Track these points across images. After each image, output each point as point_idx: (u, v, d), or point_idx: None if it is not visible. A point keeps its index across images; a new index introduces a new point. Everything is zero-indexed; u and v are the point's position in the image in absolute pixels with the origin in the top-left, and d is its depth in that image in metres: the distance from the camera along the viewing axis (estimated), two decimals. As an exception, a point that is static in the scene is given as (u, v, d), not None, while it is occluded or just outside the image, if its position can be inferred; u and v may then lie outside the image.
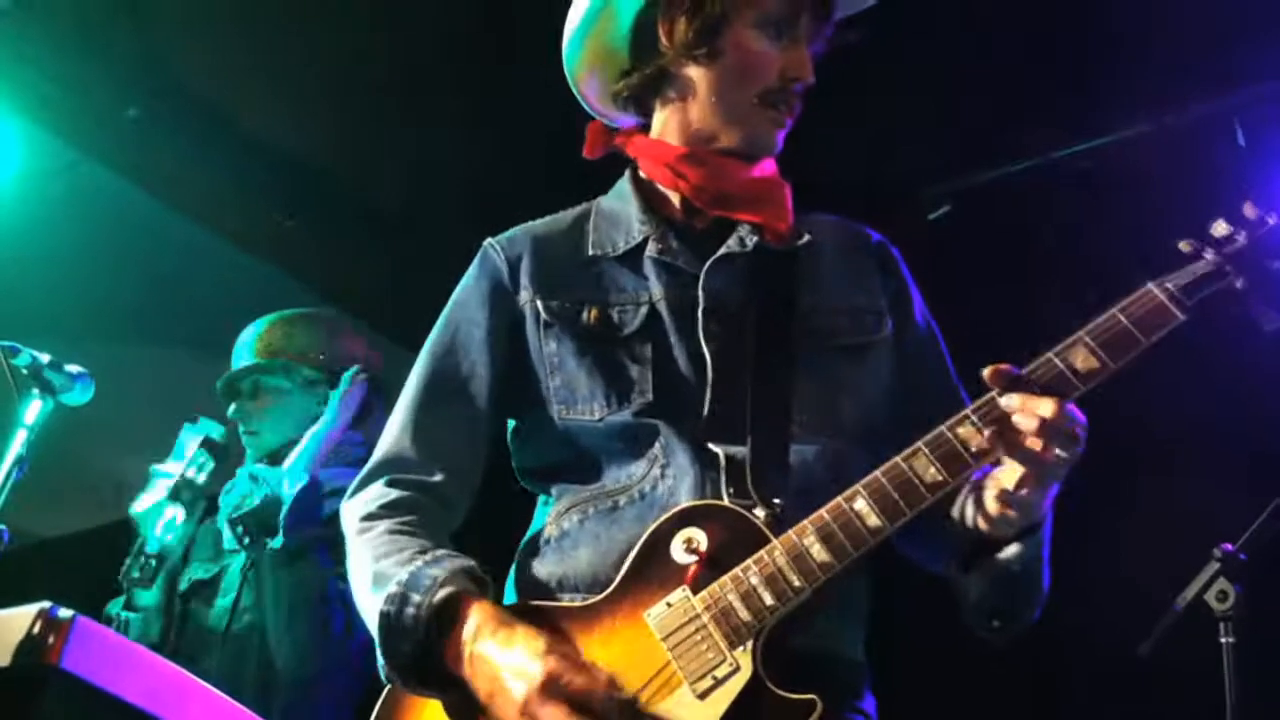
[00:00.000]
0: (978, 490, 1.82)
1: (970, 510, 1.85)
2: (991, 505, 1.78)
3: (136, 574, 3.44)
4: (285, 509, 3.50)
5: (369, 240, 5.16)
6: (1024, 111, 4.29)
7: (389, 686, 1.88)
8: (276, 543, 3.51)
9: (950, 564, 1.92)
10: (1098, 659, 4.16)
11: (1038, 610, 1.91)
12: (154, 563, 3.45)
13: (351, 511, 1.98)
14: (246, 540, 3.57)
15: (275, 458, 3.76)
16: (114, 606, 3.60)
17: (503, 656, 1.72)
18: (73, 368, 2.97)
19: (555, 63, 2.18)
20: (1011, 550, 1.83)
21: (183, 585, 3.67)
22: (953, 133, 4.39)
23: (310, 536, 3.53)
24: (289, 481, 3.55)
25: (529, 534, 2.06)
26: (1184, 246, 1.81)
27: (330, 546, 3.48)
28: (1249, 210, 1.81)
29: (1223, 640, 2.64)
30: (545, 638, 1.74)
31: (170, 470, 3.54)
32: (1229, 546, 2.69)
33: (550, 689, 1.67)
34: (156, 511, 3.48)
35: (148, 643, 3.46)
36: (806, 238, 2.10)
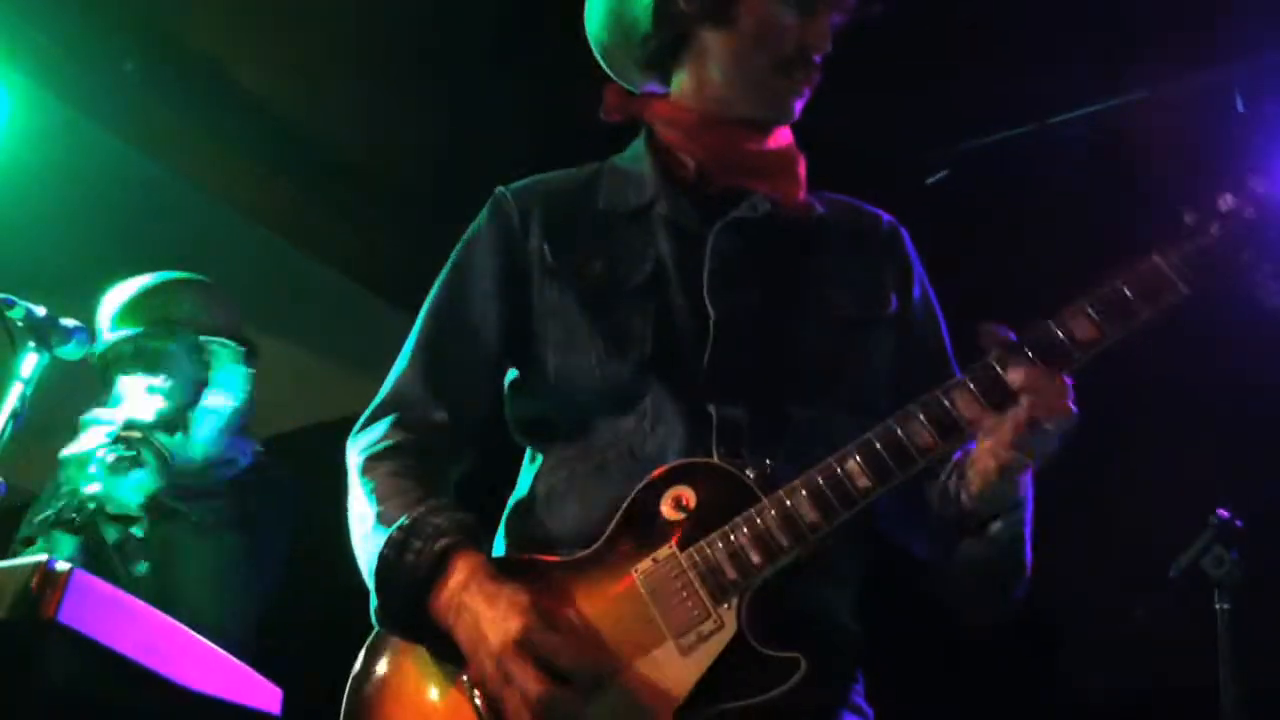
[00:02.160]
0: (964, 465, 1.82)
1: (955, 486, 1.84)
2: (977, 480, 1.78)
3: (52, 516, 3.38)
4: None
5: (368, 205, 5.14)
6: (1025, 76, 4.27)
7: (375, 630, 1.89)
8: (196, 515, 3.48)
9: (934, 545, 1.93)
10: (1094, 623, 4.18)
11: (1020, 590, 1.91)
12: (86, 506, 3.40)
13: (356, 448, 2.00)
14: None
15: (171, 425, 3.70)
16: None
17: (486, 610, 1.74)
18: (69, 322, 2.95)
19: (571, 26, 2.18)
20: (995, 528, 1.83)
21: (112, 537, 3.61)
22: (952, 97, 4.37)
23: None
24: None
25: (516, 492, 2.07)
26: (1189, 218, 1.80)
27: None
28: (1255, 183, 1.80)
29: (1217, 606, 2.66)
30: (529, 594, 1.75)
31: (107, 417, 3.47)
32: (1225, 513, 2.70)
33: (522, 645, 1.69)
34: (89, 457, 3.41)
35: None
36: (819, 210, 2.11)
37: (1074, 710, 4.49)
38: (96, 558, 3.35)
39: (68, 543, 3.35)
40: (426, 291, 2.14)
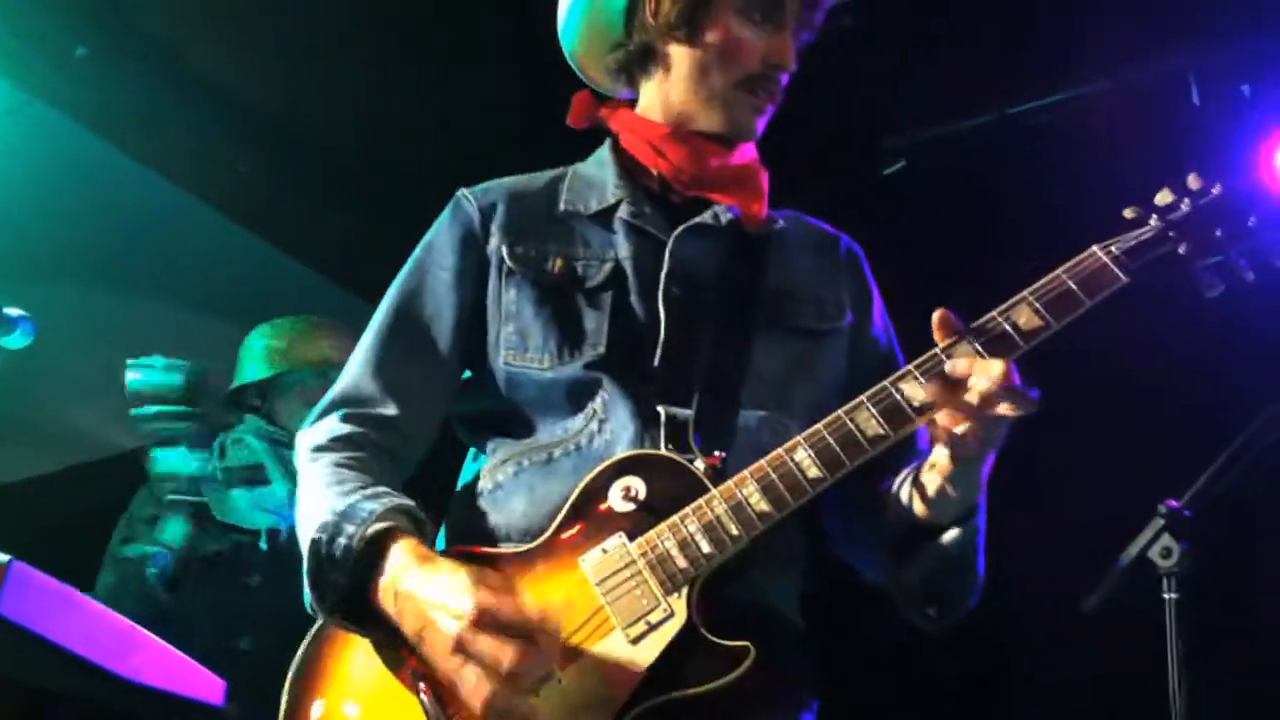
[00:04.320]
0: (915, 472, 1.83)
1: (907, 493, 1.86)
2: (933, 479, 1.79)
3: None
4: None
5: (324, 188, 5.10)
6: (982, 65, 4.28)
7: (316, 625, 1.86)
8: None
9: (886, 556, 1.93)
10: (1043, 616, 4.20)
11: (975, 597, 1.92)
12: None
13: (304, 442, 1.99)
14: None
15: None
16: (131, 548, 3.55)
17: (430, 592, 1.71)
18: (13, 311, 2.91)
19: (524, 11, 2.17)
20: (948, 536, 1.85)
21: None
22: (910, 86, 4.37)
23: None
24: None
25: (460, 487, 2.06)
26: (1128, 213, 1.87)
27: None
28: (1193, 180, 1.87)
29: (1166, 596, 2.66)
30: (470, 571, 1.72)
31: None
32: (1174, 503, 2.70)
33: (483, 621, 1.66)
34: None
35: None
36: (780, 224, 2.14)
37: (1027, 701, 4.54)
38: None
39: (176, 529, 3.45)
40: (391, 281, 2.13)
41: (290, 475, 3.68)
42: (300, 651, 1.87)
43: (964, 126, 4.47)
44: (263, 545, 3.52)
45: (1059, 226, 1.88)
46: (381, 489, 1.86)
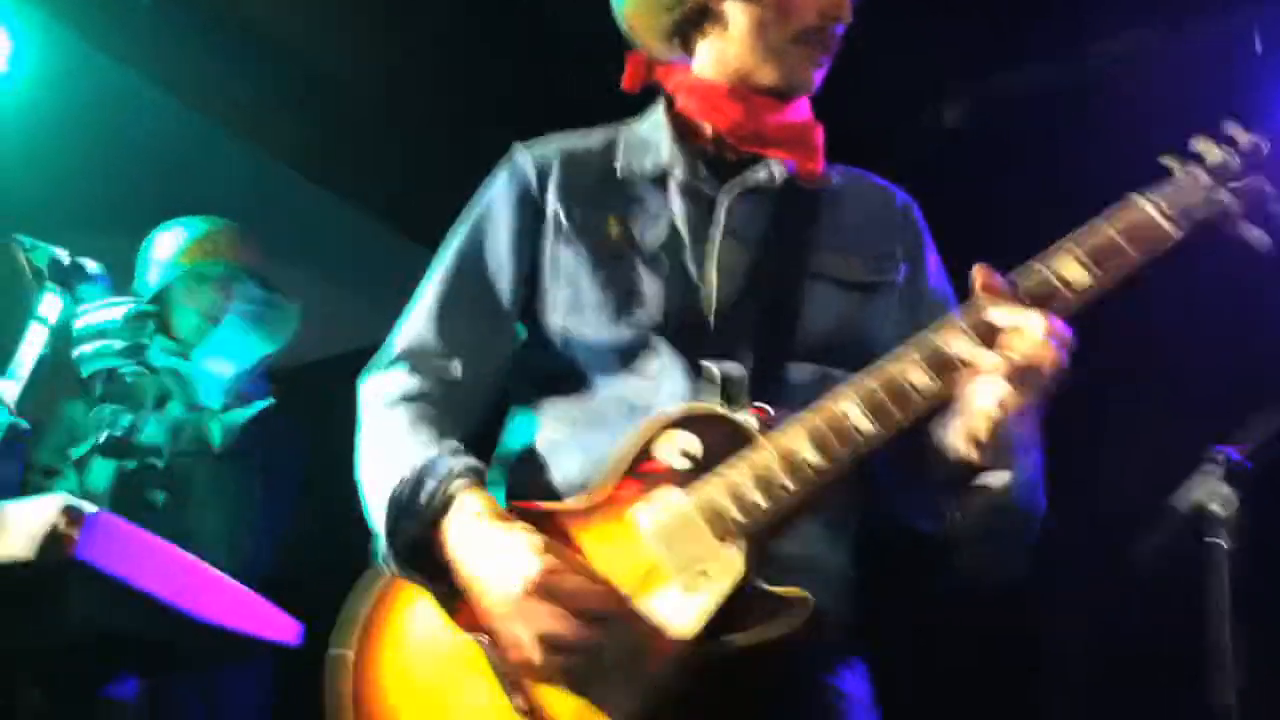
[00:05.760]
0: (965, 418, 1.83)
1: (956, 441, 1.85)
2: (981, 430, 1.80)
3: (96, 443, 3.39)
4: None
5: (379, 136, 5.14)
6: (1042, 14, 4.23)
7: (363, 576, 1.93)
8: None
9: (942, 505, 1.94)
10: (1086, 567, 4.20)
11: (1032, 538, 1.94)
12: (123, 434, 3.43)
13: (373, 391, 2.04)
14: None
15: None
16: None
17: (499, 550, 1.77)
18: (91, 265, 2.97)
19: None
20: (998, 480, 1.86)
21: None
22: (969, 38, 4.32)
23: None
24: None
25: (508, 448, 2.10)
26: (1172, 163, 1.84)
27: None
28: (1239, 133, 1.84)
29: (1223, 545, 2.64)
30: (541, 536, 1.78)
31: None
32: (1233, 453, 2.69)
33: (543, 588, 1.72)
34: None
35: None
36: (835, 179, 2.16)
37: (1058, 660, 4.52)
38: (124, 486, 3.43)
39: (104, 470, 3.44)
40: (435, 222, 2.17)
41: (186, 398, 3.65)
42: (352, 605, 1.92)
43: (1021, 80, 4.41)
44: (158, 464, 3.50)
45: (1124, 181, 1.84)
46: (458, 445, 1.92)
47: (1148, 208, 1.81)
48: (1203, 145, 1.86)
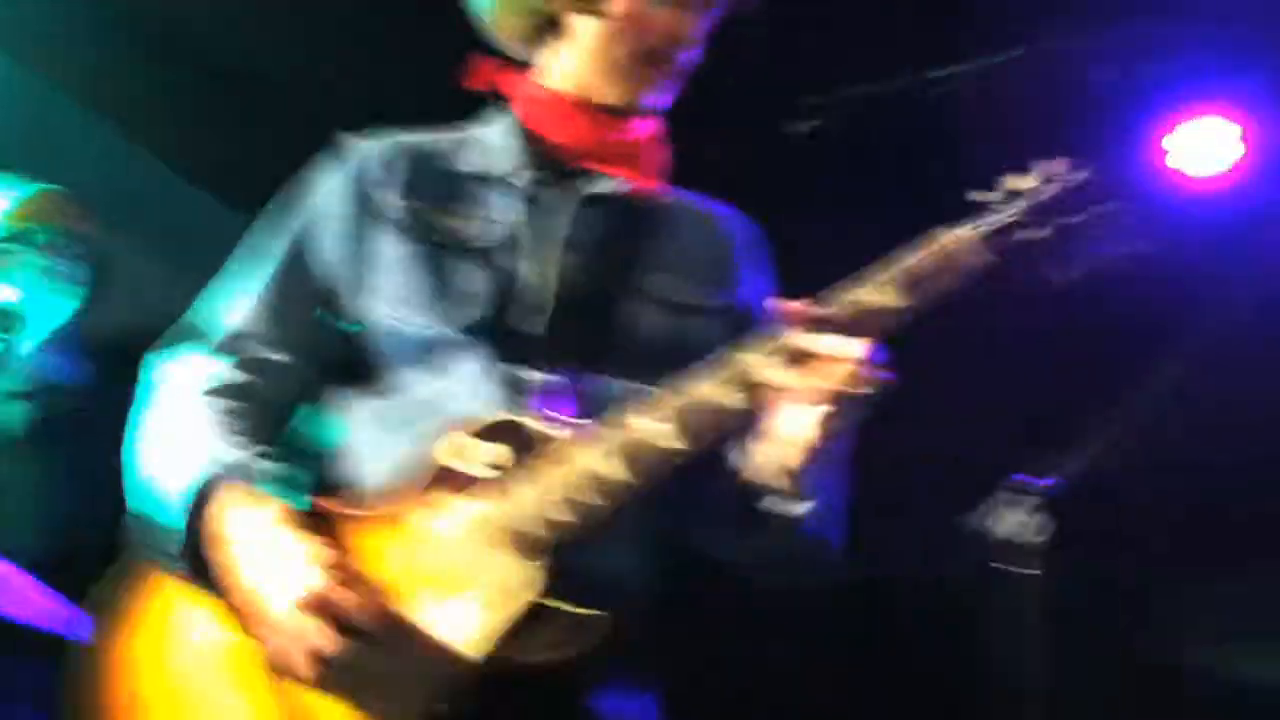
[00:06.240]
0: (775, 445, 1.83)
1: (764, 467, 1.86)
2: (792, 458, 1.80)
3: None
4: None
5: (209, 96, 5.00)
6: (900, 28, 4.28)
7: (113, 567, 1.91)
8: None
9: (736, 525, 1.94)
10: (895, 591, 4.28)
11: (834, 557, 1.97)
12: None
13: (185, 374, 1.98)
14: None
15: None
16: None
17: (282, 559, 1.73)
18: None
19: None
20: (806, 506, 1.86)
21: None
22: (829, 46, 4.36)
23: None
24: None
25: (319, 447, 2.03)
26: (986, 196, 1.87)
27: None
28: (1055, 166, 1.88)
29: (1020, 571, 2.69)
30: (326, 546, 1.74)
31: None
32: (1024, 477, 2.74)
33: (318, 602, 1.69)
34: None
35: None
36: (673, 199, 2.15)
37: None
38: None
39: None
40: (256, 192, 2.10)
41: None
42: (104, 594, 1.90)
43: (879, 89, 4.46)
44: None
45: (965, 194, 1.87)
46: (268, 449, 1.89)
47: (962, 236, 1.83)
48: (1017, 179, 1.88)
